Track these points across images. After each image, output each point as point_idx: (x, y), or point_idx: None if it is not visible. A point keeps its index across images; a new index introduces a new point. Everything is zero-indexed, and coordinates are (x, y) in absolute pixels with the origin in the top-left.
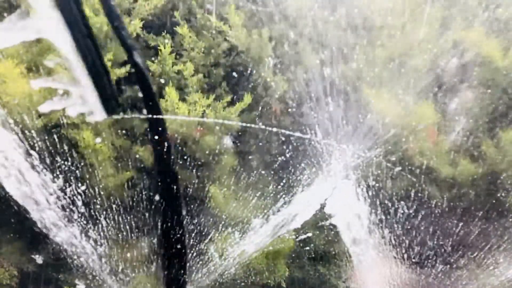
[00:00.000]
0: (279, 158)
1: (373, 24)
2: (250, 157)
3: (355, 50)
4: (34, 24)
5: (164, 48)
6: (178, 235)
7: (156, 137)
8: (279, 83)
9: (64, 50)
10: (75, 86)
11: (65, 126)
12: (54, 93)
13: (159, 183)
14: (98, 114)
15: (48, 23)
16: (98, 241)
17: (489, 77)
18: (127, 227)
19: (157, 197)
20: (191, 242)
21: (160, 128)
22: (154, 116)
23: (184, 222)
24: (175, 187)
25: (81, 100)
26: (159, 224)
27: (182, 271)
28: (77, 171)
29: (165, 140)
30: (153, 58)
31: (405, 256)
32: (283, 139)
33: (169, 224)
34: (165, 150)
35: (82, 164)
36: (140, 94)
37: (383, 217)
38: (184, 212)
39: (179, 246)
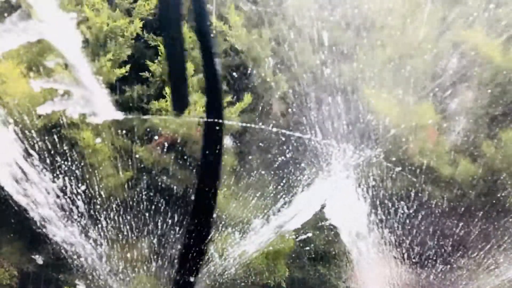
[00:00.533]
0: (279, 158)
1: (373, 24)
2: (250, 157)
3: (355, 50)
4: (36, 26)
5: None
6: (205, 237)
7: (212, 141)
8: (279, 83)
9: (67, 51)
10: (77, 87)
11: (65, 126)
12: (54, 94)
13: (200, 184)
14: (101, 115)
15: (50, 25)
16: (98, 240)
17: (489, 77)
18: (127, 227)
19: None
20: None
21: (217, 131)
22: (208, 120)
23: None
24: (215, 189)
25: (83, 101)
26: (187, 223)
27: (194, 272)
28: (77, 171)
29: (219, 144)
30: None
31: (405, 256)
32: (283, 139)
33: (199, 224)
34: (216, 153)
35: (82, 164)
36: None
37: (383, 217)
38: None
39: (201, 247)
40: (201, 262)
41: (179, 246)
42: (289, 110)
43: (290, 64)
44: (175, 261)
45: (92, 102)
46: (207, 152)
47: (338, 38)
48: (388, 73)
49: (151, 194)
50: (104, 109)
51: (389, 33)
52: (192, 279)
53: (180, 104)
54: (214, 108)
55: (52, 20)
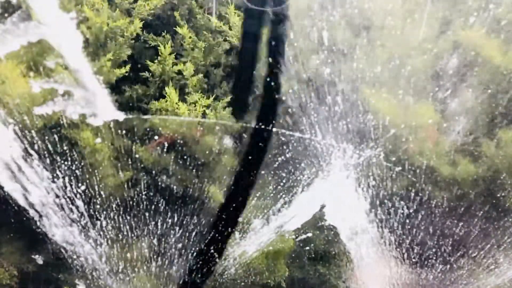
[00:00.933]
0: (279, 158)
1: (373, 24)
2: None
3: (355, 50)
4: (37, 27)
5: (164, 48)
6: (226, 237)
7: (259, 145)
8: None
9: (67, 51)
10: (77, 87)
11: (65, 126)
12: (54, 94)
13: (236, 184)
14: (101, 115)
15: (50, 25)
16: (98, 240)
17: (489, 77)
18: (127, 227)
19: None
20: (191, 242)
21: (266, 137)
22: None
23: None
24: (251, 190)
25: (83, 101)
26: (213, 222)
27: (208, 275)
28: (77, 171)
29: (266, 147)
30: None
31: (405, 256)
32: (283, 139)
33: (226, 224)
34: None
35: (82, 164)
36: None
37: (383, 217)
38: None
39: (221, 247)
40: (217, 262)
41: (179, 246)
42: (289, 110)
43: (289, 64)
44: (176, 261)
45: (93, 102)
46: (250, 157)
47: (338, 38)
48: (388, 73)
49: (151, 194)
50: (104, 109)
51: (389, 33)
52: (204, 279)
53: (241, 111)
54: (267, 116)
55: (52, 21)
